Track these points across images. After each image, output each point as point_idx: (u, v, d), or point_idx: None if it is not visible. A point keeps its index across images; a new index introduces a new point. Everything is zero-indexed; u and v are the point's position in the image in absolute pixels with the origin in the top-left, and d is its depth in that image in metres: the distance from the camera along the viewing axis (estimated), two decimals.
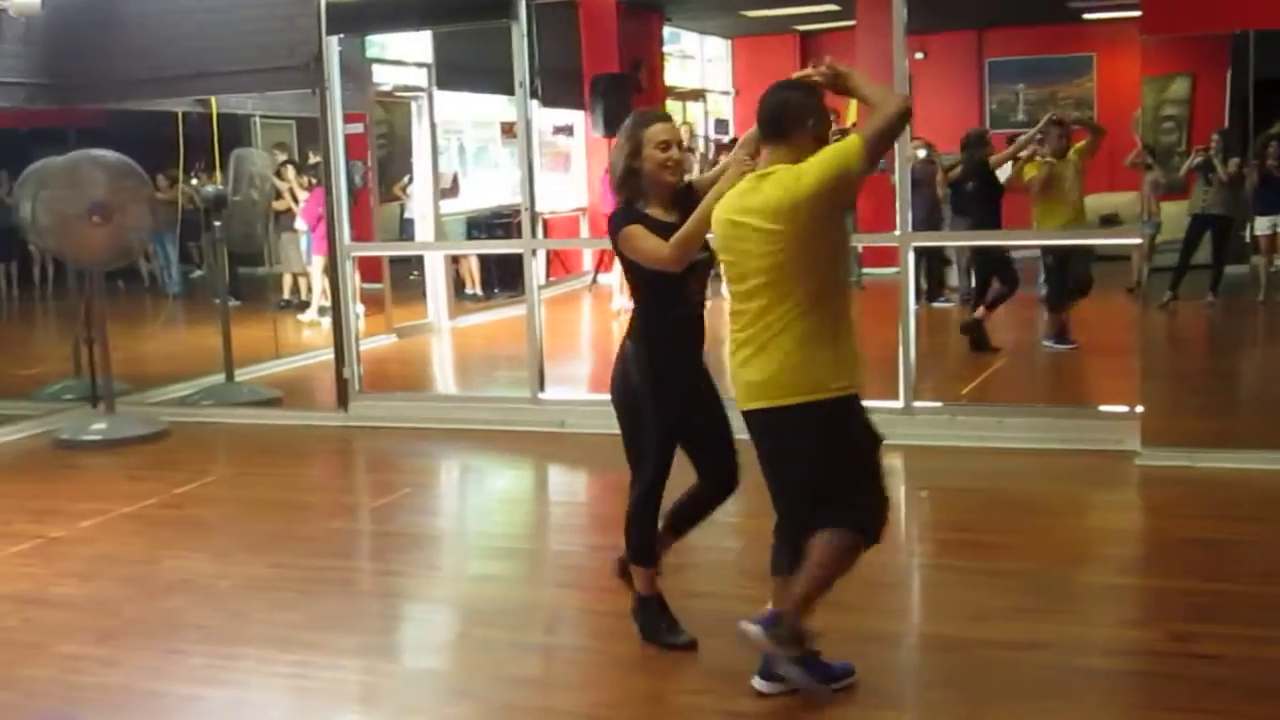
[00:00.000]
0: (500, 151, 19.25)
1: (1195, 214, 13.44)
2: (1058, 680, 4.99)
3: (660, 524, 5.47)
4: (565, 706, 5.14)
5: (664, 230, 5.11)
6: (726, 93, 22.29)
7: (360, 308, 11.56)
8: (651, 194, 5.24)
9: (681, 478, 5.43)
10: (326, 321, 12.26)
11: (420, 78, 15.30)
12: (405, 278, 16.05)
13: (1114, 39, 19.49)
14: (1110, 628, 5.72)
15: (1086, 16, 19.72)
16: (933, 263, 14.79)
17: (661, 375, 5.26)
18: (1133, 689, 5.08)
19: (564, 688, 5.38)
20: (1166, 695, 4.90)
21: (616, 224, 5.23)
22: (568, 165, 19.52)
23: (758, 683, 4.94)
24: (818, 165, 4.61)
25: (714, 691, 5.02)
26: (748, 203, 4.72)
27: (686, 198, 5.25)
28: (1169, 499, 7.57)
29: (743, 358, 4.81)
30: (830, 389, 4.76)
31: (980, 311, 12.02)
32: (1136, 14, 8.41)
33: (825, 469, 4.80)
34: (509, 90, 10.04)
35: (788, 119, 4.75)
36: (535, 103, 15.86)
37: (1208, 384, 10.88)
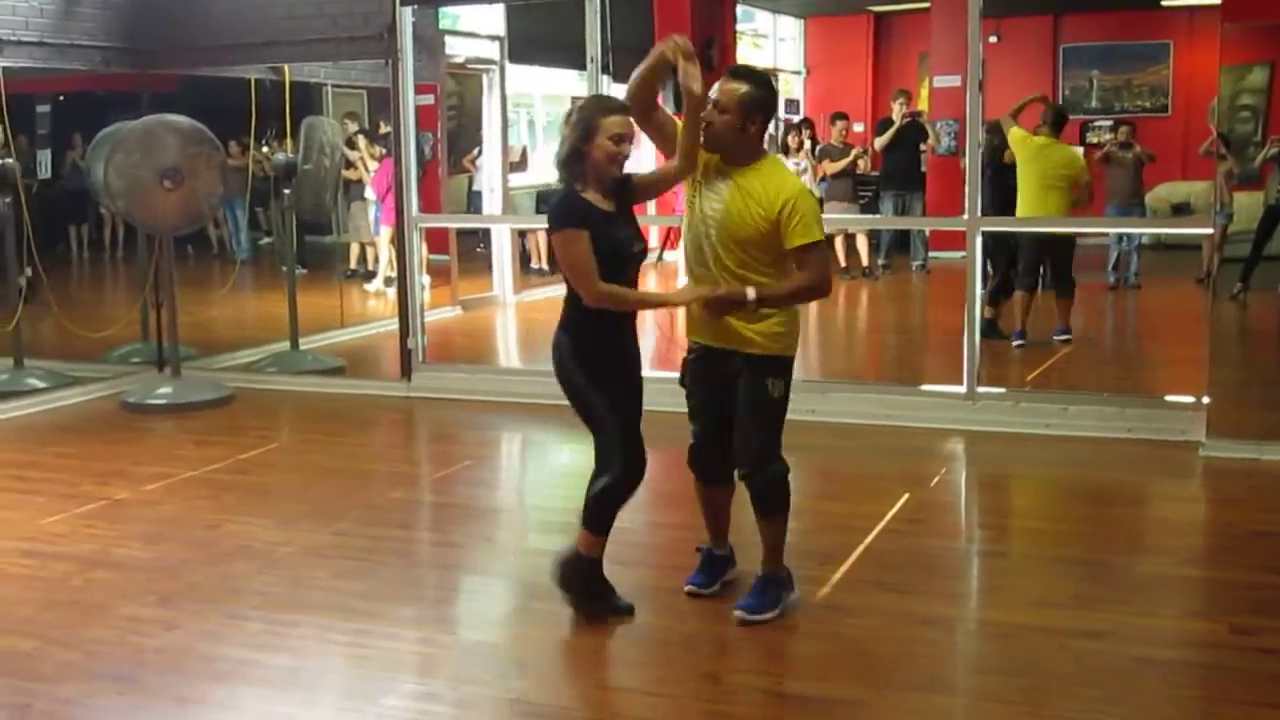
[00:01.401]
0: None
1: (1269, 205, 13.29)
2: (1117, 670, 4.96)
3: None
4: (621, 683, 5.16)
5: (604, 220, 5.28)
6: (798, 73, 22.18)
7: (426, 279, 11.61)
8: (592, 179, 5.36)
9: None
10: (392, 292, 12.32)
11: (492, 50, 15.30)
12: (472, 250, 16.10)
13: (1192, 26, 19.30)
14: (1172, 619, 5.68)
15: (1165, 3, 19.51)
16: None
17: (598, 366, 5.44)
18: (1194, 681, 5.03)
19: (620, 664, 5.39)
20: (1228, 688, 4.86)
21: (563, 217, 5.31)
22: (637, 141, 19.47)
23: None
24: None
25: (768, 673, 5.03)
26: None
27: (623, 188, 5.48)
28: (1234, 491, 7.49)
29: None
30: None
31: (988, 311, 11.83)
32: (1217, 1, 8.31)
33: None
34: (581, 65, 10.06)
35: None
36: (607, 78, 15.85)
37: (1276, 376, 10.74)
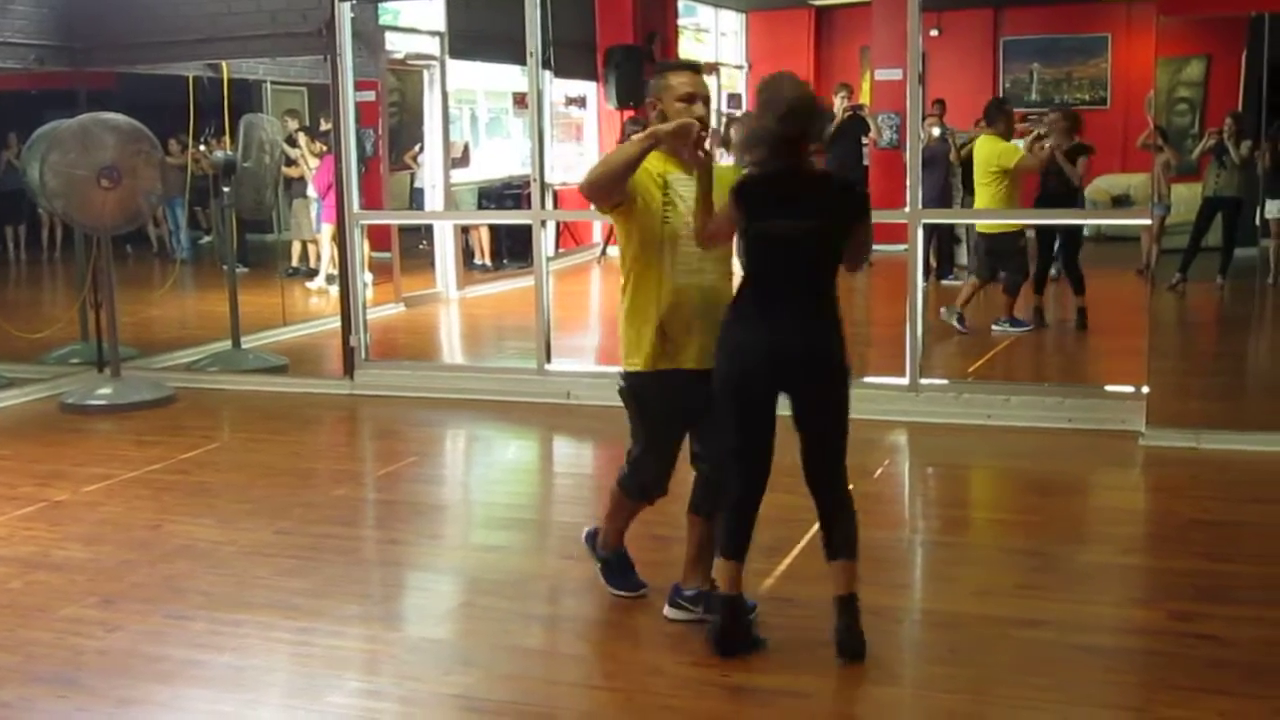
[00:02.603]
0: (512, 122, 19.22)
1: (1207, 196, 13.41)
2: (1060, 658, 4.99)
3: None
4: (567, 677, 5.15)
5: None
6: (740, 67, 22.21)
7: (368, 276, 11.57)
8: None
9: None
10: (334, 289, 12.27)
11: (433, 46, 15.25)
12: (414, 247, 16.04)
13: (1130, 20, 19.42)
14: (1113, 607, 5.72)
15: None
16: (943, 240, 14.75)
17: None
18: (1135, 668, 5.08)
19: (566, 658, 5.39)
20: (1168, 674, 4.90)
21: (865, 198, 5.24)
22: (580, 137, 19.50)
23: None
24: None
25: (715, 666, 5.02)
26: None
27: None
28: (1173, 479, 7.57)
29: None
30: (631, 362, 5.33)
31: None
32: None
33: (637, 429, 5.44)
34: (522, 60, 10.01)
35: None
36: (548, 73, 15.80)
37: (1214, 366, 10.87)
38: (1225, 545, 6.41)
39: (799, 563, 6.11)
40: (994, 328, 11.85)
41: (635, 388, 5.36)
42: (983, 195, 11.58)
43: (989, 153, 11.46)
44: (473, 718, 4.76)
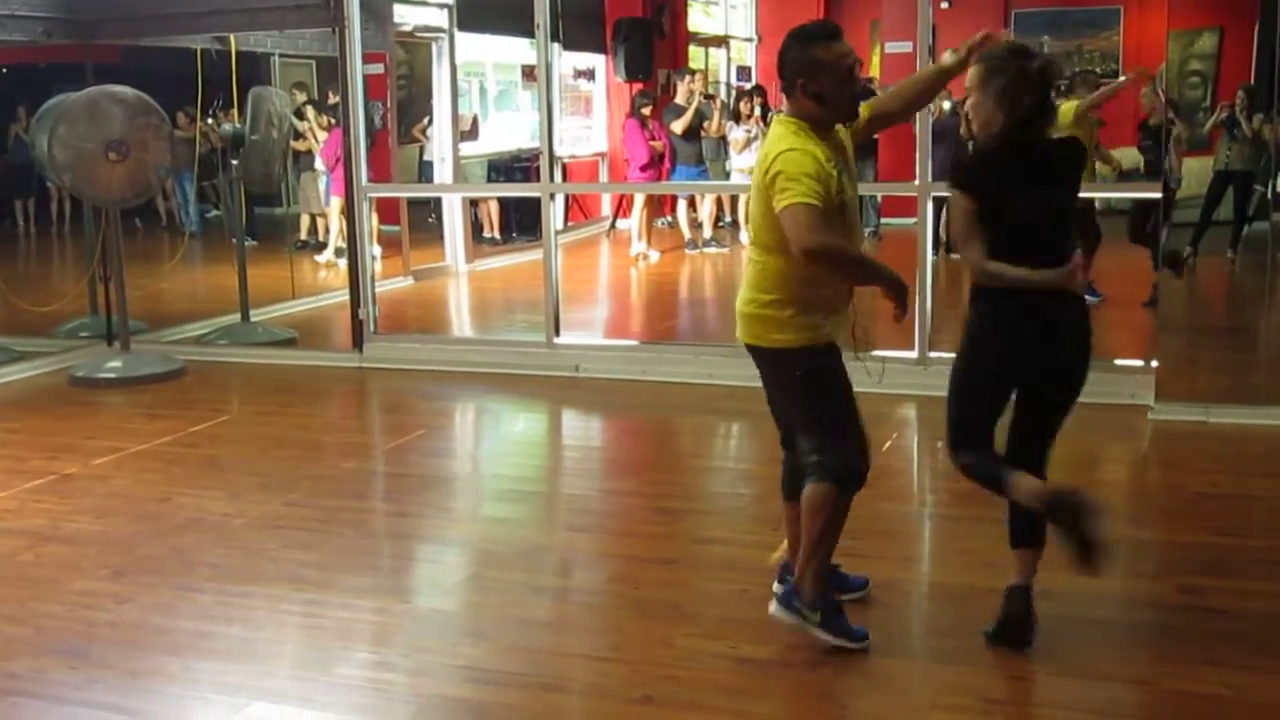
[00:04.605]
0: (521, 95, 19.20)
1: (1218, 170, 13.37)
2: (1067, 631, 4.99)
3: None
4: (576, 649, 5.15)
5: None
6: (750, 39, 22.16)
7: (377, 249, 11.57)
8: None
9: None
10: (343, 262, 12.27)
11: (441, 18, 15.21)
12: (423, 220, 16.04)
13: None
14: (1121, 580, 5.69)
15: None
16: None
17: None
18: (1142, 641, 5.07)
19: (575, 630, 5.39)
20: (1176, 648, 4.90)
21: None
22: (589, 110, 19.47)
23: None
24: (780, 174, 4.51)
25: (723, 638, 5.03)
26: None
27: None
28: (1182, 453, 7.55)
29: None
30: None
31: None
32: None
33: (801, 409, 5.12)
34: (531, 33, 9.99)
35: (782, 75, 4.66)
36: (556, 46, 15.76)
37: (1224, 340, 10.84)
38: (1234, 519, 6.41)
39: None
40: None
41: (817, 363, 5.10)
42: None
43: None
44: (481, 689, 4.76)
